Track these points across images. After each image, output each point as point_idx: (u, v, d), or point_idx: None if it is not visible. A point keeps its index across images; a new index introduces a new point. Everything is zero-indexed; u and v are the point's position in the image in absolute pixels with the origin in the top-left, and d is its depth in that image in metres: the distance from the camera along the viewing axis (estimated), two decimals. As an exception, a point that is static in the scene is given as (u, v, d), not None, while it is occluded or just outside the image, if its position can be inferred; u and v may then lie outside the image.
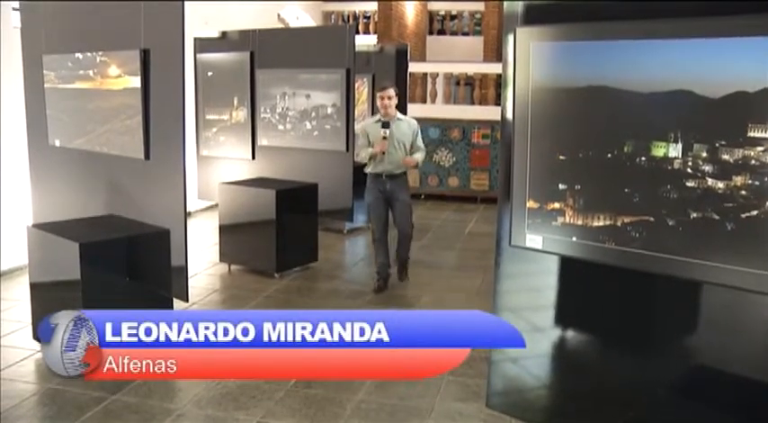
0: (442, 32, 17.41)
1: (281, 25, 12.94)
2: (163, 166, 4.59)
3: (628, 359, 3.40)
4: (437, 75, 12.51)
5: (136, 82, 4.66)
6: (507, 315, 3.82)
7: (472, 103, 12.42)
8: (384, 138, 6.15)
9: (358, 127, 6.83)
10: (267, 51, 7.82)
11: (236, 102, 8.08)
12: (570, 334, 3.68)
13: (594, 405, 3.55)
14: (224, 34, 8.36)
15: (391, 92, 6.25)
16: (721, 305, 3.06)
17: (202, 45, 8.35)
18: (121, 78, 4.79)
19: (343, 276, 7.23)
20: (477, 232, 9.51)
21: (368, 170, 6.39)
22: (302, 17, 14.37)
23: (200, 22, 8.66)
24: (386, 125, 6.19)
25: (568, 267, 3.48)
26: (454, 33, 17.31)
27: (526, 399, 3.87)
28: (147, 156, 4.67)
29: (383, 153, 6.20)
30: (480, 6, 16.14)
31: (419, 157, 6.47)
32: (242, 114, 8.06)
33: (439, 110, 12.21)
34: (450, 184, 12.06)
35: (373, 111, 9.97)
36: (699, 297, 3.10)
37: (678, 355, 3.26)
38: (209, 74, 8.28)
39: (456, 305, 6.13)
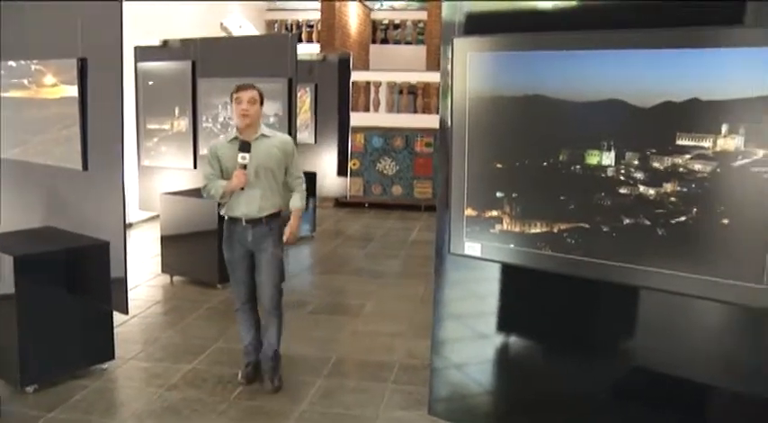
0: (385, 41, 17.53)
1: (224, 34, 12.87)
2: (101, 177, 4.51)
3: (570, 364, 3.45)
4: (380, 83, 12.59)
5: (73, 91, 4.57)
6: (451, 323, 3.86)
7: (415, 111, 12.52)
8: (242, 166, 4.21)
9: (208, 148, 4.55)
10: (209, 60, 7.76)
11: (177, 111, 7.98)
12: (513, 340, 3.72)
13: (538, 410, 3.60)
14: (165, 43, 8.27)
15: (252, 95, 4.24)
16: (659, 309, 3.14)
17: (143, 54, 8.25)
18: (57, 87, 4.70)
19: (286, 287, 7.11)
20: (420, 240, 9.58)
21: (223, 212, 4.44)
22: (245, 26, 14.32)
23: (140, 30, 8.54)
24: (244, 147, 4.21)
25: (510, 274, 3.52)
26: (397, 42, 17.44)
27: (469, 405, 3.90)
28: (85, 166, 4.59)
29: (242, 188, 4.26)
30: (423, 16, 16.28)
31: (299, 201, 4.51)
32: (183, 124, 7.97)
33: (382, 118, 12.29)
34: (394, 193, 12.14)
35: (317, 121, 9.99)
36: (637, 301, 3.16)
37: (619, 359, 3.33)
38: (150, 83, 8.17)
39: (400, 313, 6.16)
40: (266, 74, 7.34)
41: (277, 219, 4.40)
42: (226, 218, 4.41)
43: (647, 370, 3.24)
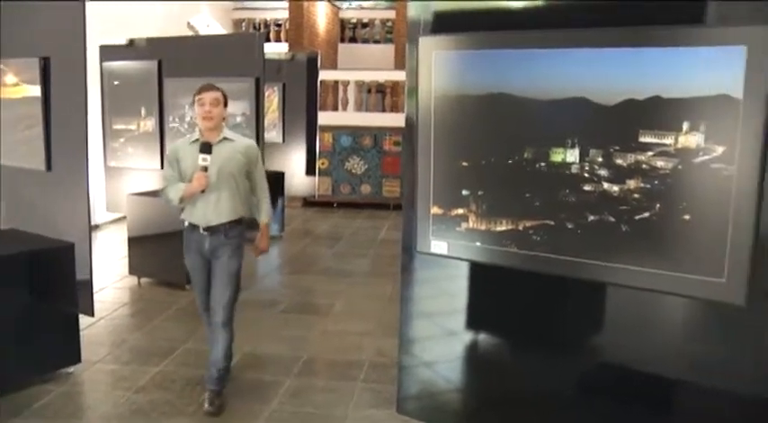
0: (353, 40, 17.50)
1: (191, 33, 12.77)
2: (66, 178, 4.46)
3: (538, 361, 3.48)
4: (348, 82, 12.58)
5: (35, 90, 4.52)
6: (419, 321, 3.88)
7: (383, 110, 12.53)
8: (203, 168, 4.00)
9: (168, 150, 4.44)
10: (176, 60, 7.69)
11: (143, 111, 7.91)
12: (482, 337, 3.75)
13: (507, 407, 3.62)
14: (131, 42, 8.18)
15: (215, 96, 4.03)
16: (625, 305, 3.17)
17: (108, 53, 8.15)
18: (19, 87, 4.64)
19: (256, 287, 7.17)
20: (389, 239, 9.59)
21: (183, 217, 4.20)
22: (212, 25, 14.22)
23: (105, 29, 8.44)
24: (206, 149, 3.99)
25: (478, 272, 3.54)
26: (366, 41, 17.42)
27: (439, 403, 3.92)
28: (48, 167, 4.54)
29: (202, 191, 4.03)
30: (392, 14, 16.28)
31: (265, 217, 4.33)
32: (150, 124, 7.89)
33: (350, 117, 12.28)
34: (363, 192, 12.14)
35: (285, 120, 9.96)
36: (603, 298, 3.20)
37: (586, 355, 3.36)
38: (116, 83, 8.08)
39: (370, 312, 6.17)
40: (234, 73, 7.30)
41: (237, 227, 4.15)
42: (185, 224, 4.17)
43: (613, 366, 3.27)
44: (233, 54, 7.64)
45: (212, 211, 4.06)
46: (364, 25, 17.53)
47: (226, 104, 4.13)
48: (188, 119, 7.62)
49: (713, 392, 2.97)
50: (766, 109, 2.53)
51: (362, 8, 17.85)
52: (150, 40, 8.03)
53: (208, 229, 4.08)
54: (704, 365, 2.99)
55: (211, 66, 7.29)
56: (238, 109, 7.46)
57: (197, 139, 4.08)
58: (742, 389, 2.86)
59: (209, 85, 4.09)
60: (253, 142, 4.35)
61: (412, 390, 3.98)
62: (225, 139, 4.10)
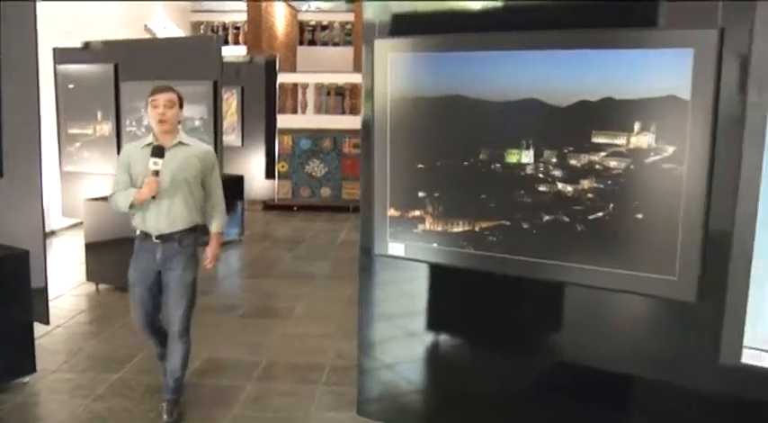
0: (312, 43, 17.46)
1: (148, 36, 12.64)
2: (19, 184, 4.39)
3: (498, 360, 3.51)
4: (308, 85, 12.56)
5: (-15, 95, 4.43)
6: (379, 323, 3.89)
7: (343, 112, 12.53)
8: (155, 173, 3.80)
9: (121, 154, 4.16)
10: (132, 63, 7.60)
11: (100, 115, 7.80)
12: (442, 338, 3.77)
13: (468, 406, 3.64)
14: (86, 45, 8.07)
15: (169, 97, 3.85)
16: (582, 303, 3.22)
17: (63, 55, 8.03)
18: (-32, 91, 4.54)
19: (215, 291, 7.12)
20: (349, 241, 9.58)
21: (135, 225, 4.00)
22: (170, 27, 14.08)
23: (59, 31, 8.32)
24: (158, 152, 3.79)
25: (436, 273, 3.56)
26: (325, 44, 17.38)
27: (400, 404, 3.93)
28: (0, 173, 4.45)
29: (153, 198, 3.83)
30: (351, 17, 16.29)
31: (218, 227, 4.17)
32: (107, 128, 7.79)
33: (310, 120, 12.27)
34: (323, 195, 12.14)
35: (244, 123, 9.90)
36: (560, 297, 3.24)
37: (544, 354, 3.40)
38: (71, 86, 7.97)
39: (330, 315, 6.16)
40: (191, 76, 7.24)
41: (191, 236, 3.97)
42: (137, 232, 3.99)
43: (571, 364, 3.31)
44: (190, 57, 7.58)
45: (165, 218, 3.88)
46: (323, 28, 17.50)
47: (181, 106, 3.95)
48: (145, 122, 7.53)
49: (668, 388, 3.02)
50: (713, 110, 2.59)
51: (321, 11, 17.82)
52: (106, 43, 7.93)
53: (160, 237, 3.89)
54: (659, 362, 3.04)
55: (169, 69, 7.22)
56: (196, 113, 7.41)
57: (150, 143, 3.88)
58: (695, 384, 2.92)
59: (163, 86, 3.92)
60: (210, 148, 4.18)
61: (373, 392, 3.98)
62: (180, 143, 3.92)
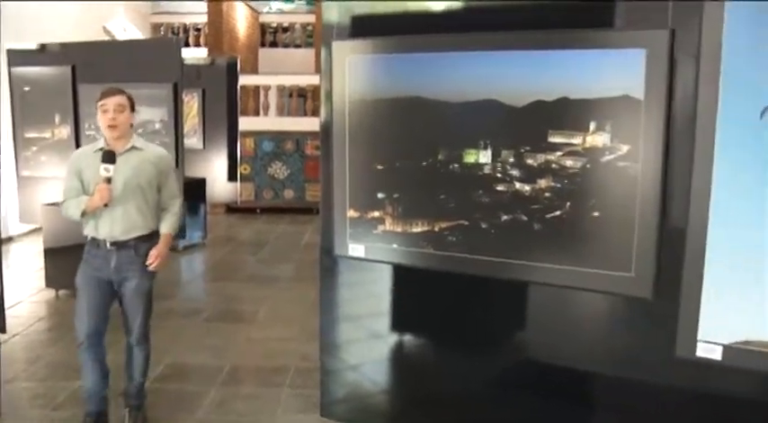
0: (274, 44, 17.38)
1: (107, 38, 12.49)
2: (-27, 189, 4.32)
3: (462, 360, 3.53)
4: (269, 87, 12.51)
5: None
6: (344, 324, 3.89)
7: (305, 114, 12.52)
8: (106, 180, 3.65)
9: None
10: (90, 65, 7.49)
11: (57, 119, 7.67)
12: (405, 338, 3.78)
13: (433, 406, 3.66)
14: (43, 47, 7.94)
15: (119, 100, 3.69)
16: (543, 301, 3.26)
17: (17, 58, 7.88)
18: None
19: (179, 295, 7.07)
20: (313, 243, 9.53)
21: (86, 232, 3.84)
22: (129, 29, 13.93)
23: (12, 32, 8.17)
24: (109, 158, 3.64)
25: (400, 273, 3.57)
26: (286, 45, 17.31)
27: (365, 404, 3.94)
28: (-46, 179, 4.38)
29: (105, 205, 3.67)
30: (312, 18, 16.24)
31: (169, 228, 3.92)
32: (65, 132, 7.66)
33: (272, 122, 12.23)
34: (286, 197, 12.11)
35: (205, 126, 9.83)
36: (522, 295, 3.27)
37: (507, 352, 3.43)
38: (27, 89, 7.82)
39: (294, 317, 6.15)
40: (151, 78, 7.16)
41: (148, 243, 3.81)
42: (88, 238, 3.81)
43: (534, 361, 3.35)
44: (150, 59, 7.49)
45: (119, 225, 3.73)
46: (285, 29, 17.42)
47: (133, 109, 3.79)
48: (104, 126, 7.46)
49: (628, 383, 3.07)
50: (666, 109, 2.65)
51: (283, 12, 17.76)
52: (63, 45, 7.80)
53: (115, 244, 3.74)
54: (619, 357, 3.09)
55: (128, 71, 7.13)
56: (157, 115, 7.33)
57: (101, 148, 3.73)
58: (654, 378, 2.97)
59: (112, 89, 3.75)
60: (165, 152, 4.05)
61: (338, 393, 3.99)
62: (134, 147, 3.78)
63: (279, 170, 12.08)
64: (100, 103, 3.69)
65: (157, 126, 7.22)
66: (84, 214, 3.73)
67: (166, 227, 3.92)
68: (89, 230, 3.80)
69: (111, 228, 3.74)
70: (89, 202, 3.68)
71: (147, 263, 3.81)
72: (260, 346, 5.49)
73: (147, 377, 4.13)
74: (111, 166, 3.63)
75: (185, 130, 8.90)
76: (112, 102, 3.67)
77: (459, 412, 3.55)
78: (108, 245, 3.75)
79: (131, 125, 3.82)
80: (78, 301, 3.84)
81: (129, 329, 3.92)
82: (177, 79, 7.25)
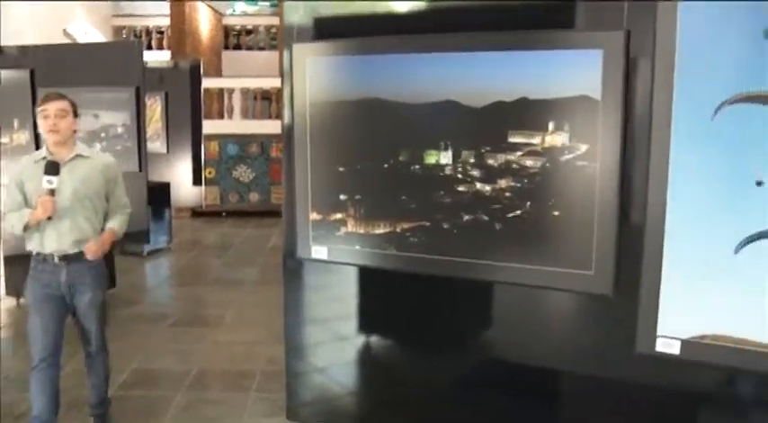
0: (238, 47, 17.28)
1: (68, 41, 12.32)
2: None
3: (428, 361, 3.54)
4: (233, 90, 12.46)
5: None
6: (310, 327, 3.89)
7: (270, 117, 12.48)
8: (50, 192, 3.48)
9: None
10: (50, 68, 7.40)
11: (16, 123, 7.56)
12: (373, 340, 3.78)
13: (400, 407, 3.67)
14: (0, 50, 7.82)
15: (61, 106, 3.55)
16: (507, 301, 3.28)
17: (-28, 62, 7.76)
18: None
19: (145, 300, 7.01)
20: (279, 246, 9.41)
21: (30, 247, 3.65)
22: (91, 32, 13.76)
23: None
24: (51, 169, 3.48)
25: (365, 275, 3.58)
26: (250, 48, 17.22)
27: (332, 407, 3.94)
28: None
29: (50, 218, 3.50)
30: (275, 21, 16.17)
31: (116, 225, 3.76)
32: (24, 137, 7.54)
33: (236, 125, 12.18)
34: (251, 200, 12.05)
35: (169, 130, 9.76)
36: (485, 295, 3.29)
37: (473, 351, 3.45)
38: (-17, 93, 7.71)
39: (261, 320, 6.12)
40: (113, 82, 7.09)
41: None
42: (33, 253, 3.63)
43: (498, 360, 3.38)
44: (111, 62, 7.42)
45: (68, 238, 3.58)
46: (248, 32, 17.33)
47: (76, 114, 3.64)
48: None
49: (591, 379, 3.11)
50: (623, 109, 2.69)
51: (246, 14, 17.68)
52: (22, 48, 7.69)
53: (64, 258, 3.59)
54: (582, 354, 3.13)
55: (89, 75, 7.06)
56: (118, 119, 7.25)
57: (44, 157, 3.56)
58: (616, 373, 3.01)
59: (53, 93, 3.62)
60: (112, 159, 3.91)
61: (304, 396, 3.98)
62: (79, 155, 3.64)
63: (244, 173, 12.02)
64: (40, 109, 3.55)
65: (119, 130, 7.15)
66: (27, 228, 3.56)
67: (113, 223, 3.78)
68: (34, 245, 3.62)
69: (58, 241, 3.58)
70: (32, 215, 3.52)
71: (85, 250, 3.62)
72: (226, 349, 5.46)
73: (110, 384, 4.09)
74: (54, 178, 3.47)
75: (148, 134, 8.82)
76: (53, 107, 3.53)
77: (424, 412, 3.57)
78: (56, 259, 3.60)
79: (75, 131, 3.68)
80: (31, 320, 3.66)
81: (87, 340, 3.82)
82: (139, 83, 7.18)
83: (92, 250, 3.62)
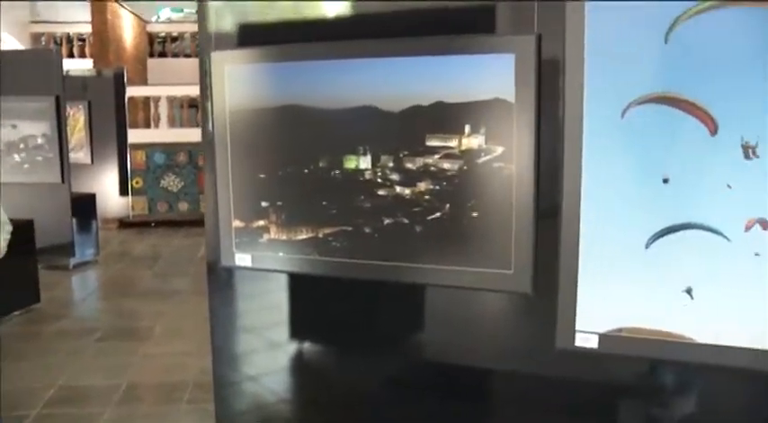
0: (163, 55, 17.02)
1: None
2: None
3: (358, 364, 3.56)
4: (160, 98, 12.27)
5: None
6: (242, 335, 3.86)
7: (197, 125, 12.28)
8: None
9: None
10: (-36, 79, 7.19)
11: (-69, 136, 7.33)
12: (304, 345, 3.78)
13: (334, 412, 3.67)
14: None
15: None
16: (433, 302, 3.30)
17: None
18: None
19: (71, 315, 6.85)
20: (211, 255, 9.44)
21: None
22: (7, 40, 13.38)
23: None
24: None
25: (292, 281, 3.56)
26: (176, 55, 16.98)
27: (264, 414, 3.91)
28: None
29: None
30: (201, 27, 15.99)
31: None
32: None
33: (163, 134, 11.99)
34: (181, 209, 11.88)
35: (93, 140, 9.58)
36: (411, 297, 3.32)
37: (403, 354, 3.48)
38: None
39: (192, 331, 6.06)
40: (31, 91, 6.96)
41: None
42: None
43: (427, 361, 3.40)
44: (29, 71, 7.27)
45: None
46: (174, 39, 17.09)
47: None
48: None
49: (517, 376, 3.16)
50: (536, 111, 2.75)
51: (171, 21, 17.41)
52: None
53: None
54: (508, 352, 3.17)
55: (5, 84, 6.89)
56: (39, 130, 7.11)
57: None
58: (540, 370, 3.07)
59: None
60: None
61: (237, 405, 3.95)
62: None
63: (172, 183, 11.83)
64: None
65: (40, 141, 7.00)
66: None
67: None
68: None
69: None
70: None
71: None
72: (157, 362, 5.38)
73: (36, 402, 3.98)
74: None
75: (72, 144, 8.68)
76: None
77: (357, 414, 3.58)
78: None
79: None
80: None
81: None
82: (59, 91, 7.06)
83: None
